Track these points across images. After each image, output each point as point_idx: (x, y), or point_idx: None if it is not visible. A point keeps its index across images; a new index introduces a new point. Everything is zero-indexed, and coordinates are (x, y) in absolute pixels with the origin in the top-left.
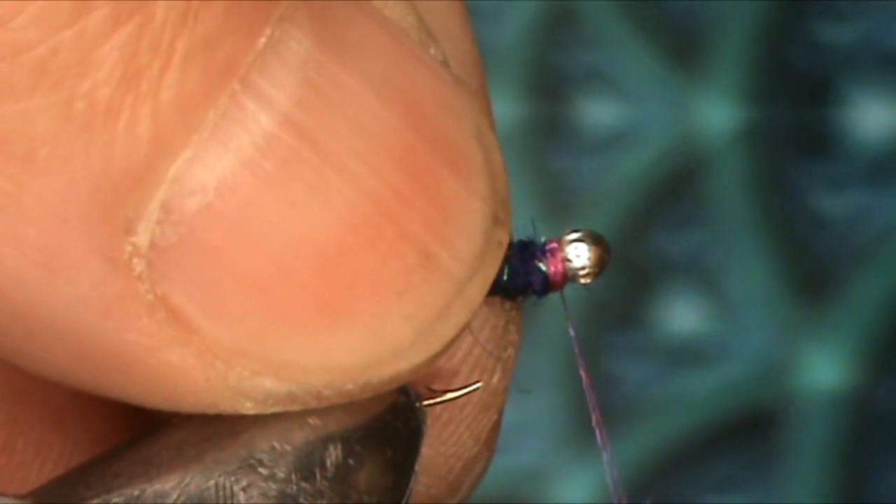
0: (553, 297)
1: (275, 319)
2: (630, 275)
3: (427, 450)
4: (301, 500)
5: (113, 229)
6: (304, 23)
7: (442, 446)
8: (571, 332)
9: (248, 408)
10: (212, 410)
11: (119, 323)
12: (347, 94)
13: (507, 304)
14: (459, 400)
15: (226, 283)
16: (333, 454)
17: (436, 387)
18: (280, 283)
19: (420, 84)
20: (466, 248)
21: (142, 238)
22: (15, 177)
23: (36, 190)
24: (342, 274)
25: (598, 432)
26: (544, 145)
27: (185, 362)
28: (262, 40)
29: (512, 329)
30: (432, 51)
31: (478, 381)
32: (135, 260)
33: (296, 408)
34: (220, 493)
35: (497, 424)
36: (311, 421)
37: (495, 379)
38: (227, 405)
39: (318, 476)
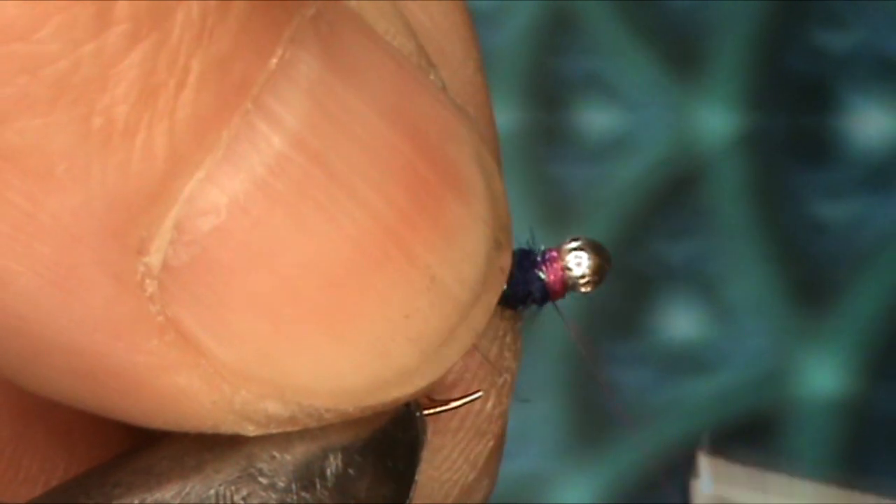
0: (553, 303)
1: (282, 341)
2: (628, 281)
3: (421, 475)
4: None
5: (126, 249)
6: (313, 45)
7: (435, 471)
8: (576, 343)
9: (250, 430)
10: (213, 431)
11: (129, 344)
12: (355, 117)
13: (508, 313)
14: (452, 424)
15: (235, 304)
16: (334, 464)
17: (436, 396)
18: (288, 304)
19: (423, 108)
20: (470, 272)
21: (154, 258)
22: (32, 194)
23: (52, 207)
24: (350, 295)
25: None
26: (542, 152)
27: (191, 385)
28: (274, 61)
29: (508, 355)
30: (432, 76)
31: (478, 391)
32: (147, 281)
33: (295, 429)
34: (221, 503)
35: (495, 451)
36: (311, 431)
37: (489, 405)
38: (229, 427)
39: (318, 486)
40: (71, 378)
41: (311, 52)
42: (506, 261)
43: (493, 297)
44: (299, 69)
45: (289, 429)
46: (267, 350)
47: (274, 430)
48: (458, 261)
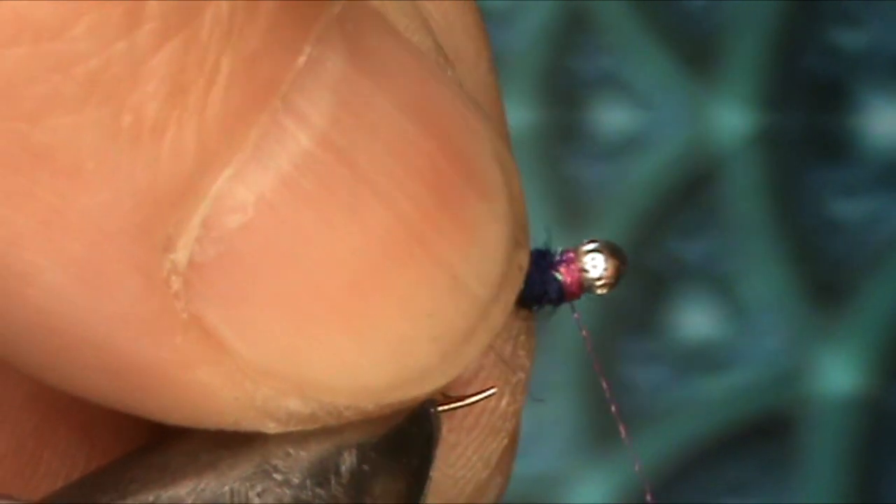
0: (567, 302)
1: (305, 338)
2: (644, 280)
3: (435, 472)
4: None
5: (152, 246)
6: (338, 43)
7: (450, 469)
8: (588, 346)
9: (270, 427)
10: (233, 427)
11: (154, 340)
12: (380, 115)
13: (523, 312)
14: (466, 422)
15: (259, 301)
16: (348, 460)
17: (451, 393)
18: (312, 302)
19: (444, 105)
20: (490, 271)
21: (180, 255)
22: (62, 191)
23: (80, 204)
24: (374, 294)
25: (622, 431)
26: (558, 150)
27: (214, 381)
28: (302, 59)
29: (522, 354)
30: (450, 73)
31: (493, 387)
32: (173, 277)
33: (315, 426)
34: (235, 499)
35: (509, 449)
36: (326, 428)
37: (504, 403)
38: (250, 424)
39: (332, 482)
40: (95, 374)
41: (337, 51)
42: (524, 259)
43: (511, 296)
44: (326, 67)
45: (308, 426)
46: (289, 347)
47: (294, 428)
48: (479, 260)
